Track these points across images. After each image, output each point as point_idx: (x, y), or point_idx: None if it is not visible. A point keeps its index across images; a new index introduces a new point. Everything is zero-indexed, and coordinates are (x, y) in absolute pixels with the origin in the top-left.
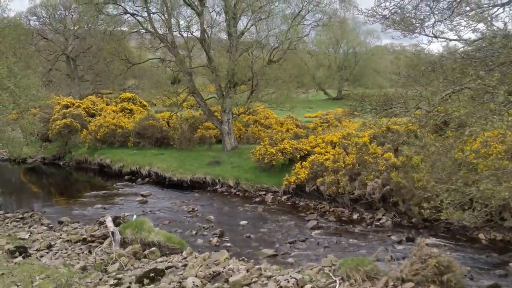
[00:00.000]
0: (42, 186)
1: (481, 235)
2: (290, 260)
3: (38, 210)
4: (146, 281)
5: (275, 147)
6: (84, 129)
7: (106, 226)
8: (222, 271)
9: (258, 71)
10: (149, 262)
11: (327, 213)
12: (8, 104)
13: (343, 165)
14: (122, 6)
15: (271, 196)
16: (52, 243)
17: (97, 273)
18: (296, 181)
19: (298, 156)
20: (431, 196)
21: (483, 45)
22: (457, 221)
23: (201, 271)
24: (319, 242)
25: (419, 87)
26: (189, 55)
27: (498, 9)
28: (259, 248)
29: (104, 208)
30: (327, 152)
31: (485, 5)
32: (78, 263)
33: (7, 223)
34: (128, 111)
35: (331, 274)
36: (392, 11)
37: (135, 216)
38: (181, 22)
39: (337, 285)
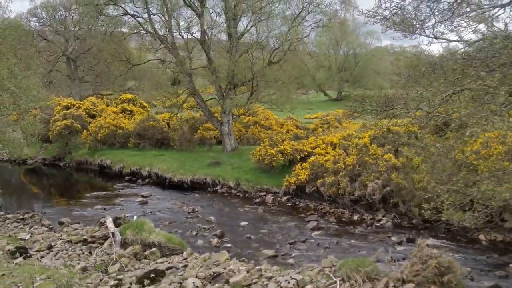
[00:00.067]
0: (43, 187)
1: (481, 236)
2: (290, 261)
3: (38, 211)
4: (146, 281)
5: (275, 148)
6: (84, 130)
7: (106, 227)
8: (223, 272)
9: (258, 72)
10: (149, 263)
11: (328, 214)
12: (8, 105)
13: (343, 166)
14: (122, 7)
15: (272, 197)
16: (53, 244)
17: (98, 273)
18: (296, 182)
19: (298, 157)
20: (432, 197)
21: (484, 46)
22: (458, 222)
23: (201, 271)
24: (320, 243)
25: (419, 88)
26: (189, 56)
27: (498, 10)
28: (260, 249)
29: (104, 209)
30: (327, 153)
31: (485, 6)
32: (78, 263)
33: (8, 224)
34: (129, 112)
35: (331, 275)
36: (393, 11)
37: (135, 217)
38: (181, 23)
39: (338, 286)
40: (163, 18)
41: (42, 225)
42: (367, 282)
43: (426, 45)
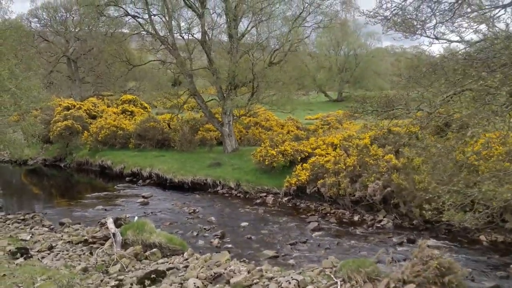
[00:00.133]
0: (43, 188)
1: (482, 237)
2: (291, 261)
3: (39, 211)
4: (147, 282)
5: (276, 149)
6: (85, 131)
7: (107, 228)
8: (223, 272)
9: (258, 73)
10: (150, 264)
11: (328, 214)
12: (9, 106)
13: (344, 167)
14: (123, 8)
15: (272, 198)
16: (54, 245)
17: (98, 274)
18: (297, 182)
19: (299, 158)
20: (432, 197)
21: (485, 46)
22: (458, 222)
23: (202, 272)
24: (320, 244)
25: (420, 89)
26: (190, 57)
27: (499, 11)
28: (260, 249)
29: (105, 209)
30: (328, 154)
31: (486, 7)
32: (79, 264)
33: (9, 224)
34: (129, 113)
35: (332, 276)
36: (394, 12)
37: (136, 218)
38: (182, 24)
39: (338, 287)
40: (163, 19)
41: (43, 225)
42: (367, 282)
43: (427, 45)
